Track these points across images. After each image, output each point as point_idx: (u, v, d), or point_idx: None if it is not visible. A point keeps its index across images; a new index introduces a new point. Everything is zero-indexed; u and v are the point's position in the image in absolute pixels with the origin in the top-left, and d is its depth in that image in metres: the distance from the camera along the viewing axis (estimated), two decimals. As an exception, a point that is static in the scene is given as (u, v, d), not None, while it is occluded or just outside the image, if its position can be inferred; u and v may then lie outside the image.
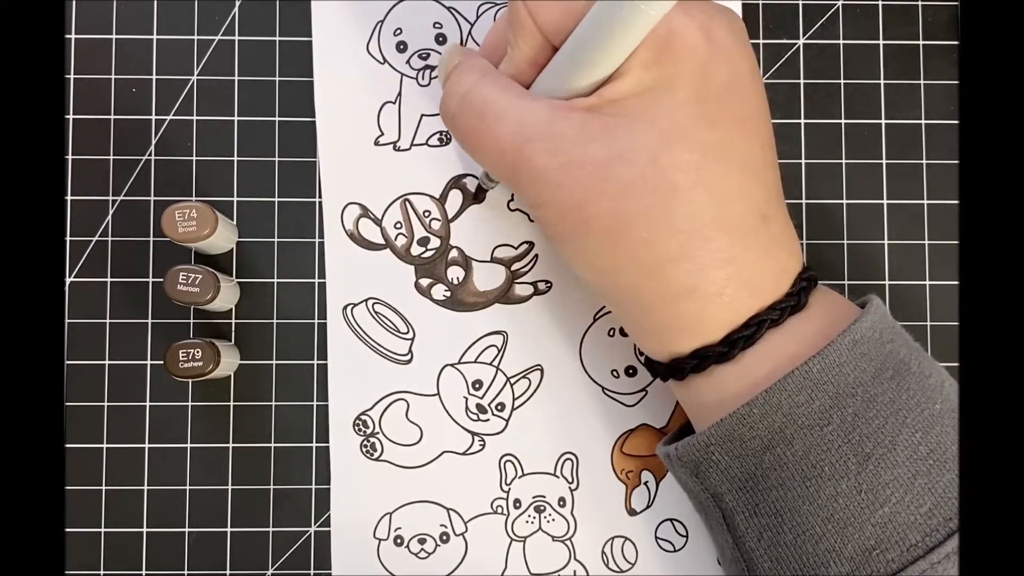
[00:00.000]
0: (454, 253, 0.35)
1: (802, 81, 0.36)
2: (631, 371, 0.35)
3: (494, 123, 0.27)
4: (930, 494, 0.24)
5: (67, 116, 0.35)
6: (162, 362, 0.33)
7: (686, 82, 0.25)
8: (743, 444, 0.26)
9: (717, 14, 0.26)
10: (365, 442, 0.34)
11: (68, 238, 0.35)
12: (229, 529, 0.34)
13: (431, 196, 0.35)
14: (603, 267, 0.27)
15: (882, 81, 0.36)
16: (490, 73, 0.28)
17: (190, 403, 0.34)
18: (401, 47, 0.35)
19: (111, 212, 0.35)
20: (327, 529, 0.34)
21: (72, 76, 0.35)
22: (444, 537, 0.34)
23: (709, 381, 0.27)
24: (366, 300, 0.35)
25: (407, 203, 0.35)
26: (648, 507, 0.35)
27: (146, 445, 0.34)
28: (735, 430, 0.26)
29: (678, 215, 0.25)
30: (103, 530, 0.34)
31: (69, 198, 0.35)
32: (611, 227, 0.25)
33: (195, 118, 0.35)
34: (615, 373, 0.35)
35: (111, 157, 0.35)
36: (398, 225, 0.35)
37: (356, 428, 0.34)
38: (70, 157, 0.35)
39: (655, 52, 0.25)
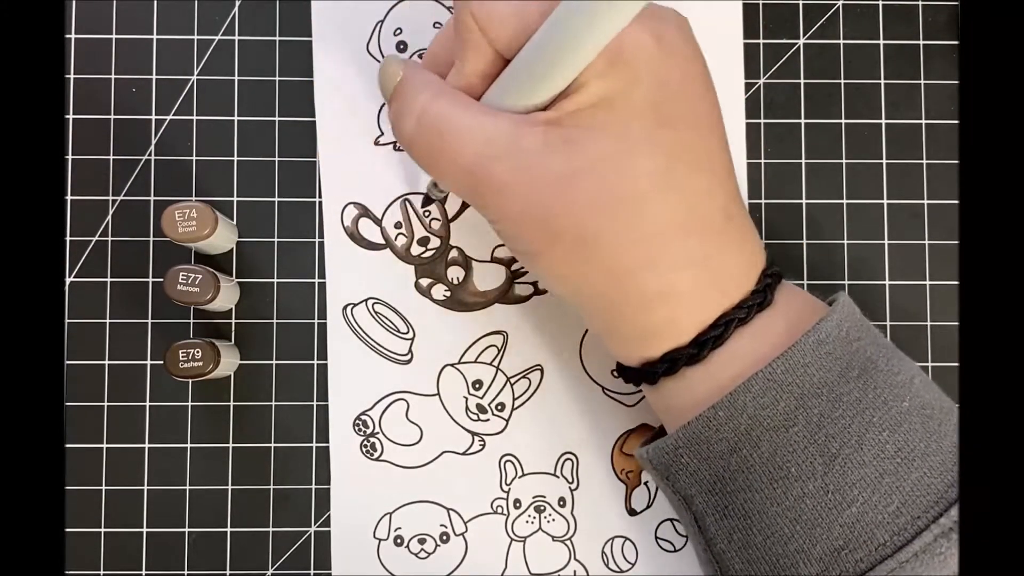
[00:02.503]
0: (454, 253, 0.35)
1: (802, 81, 0.36)
2: (631, 371, 0.35)
3: (456, 142, 0.26)
4: (897, 493, 0.24)
5: (67, 116, 0.35)
6: (162, 362, 0.33)
7: (642, 88, 0.25)
8: (710, 447, 0.26)
9: (666, 17, 0.26)
10: (365, 442, 0.34)
11: (68, 238, 0.35)
12: (229, 529, 0.34)
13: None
14: (573, 278, 0.26)
15: (882, 81, 0.36)
16: (443, 90, 0.27)
17: (190, 403, 0.34)
18: (401, 47, 0.35)
19: (111, 212, 0.35)
20: (327, 529, 0.34)
21: (72, 76, 0.35)
22: (444, 537, 0.34)
23: (678, 384, 0.27)
24: (366, 300, 0.35)
25: (407, 203, 0.35)
26: (648, 507, 0.35)
27: (146, 445, 0.34)
28: (702, 433, 0.26)
29: (647, 221, 0.25)
30: (103, 530, 0.34)
31: (69, 198, 0.35)
32: (580, 238, 0.25)
33: (195, 118, 0.35)
34: (615, 373, 0.35)
35: (111, 157, 0.35)
36: (398, 225, 0.35)
37: (356, 428, 0.34)
38: (70, 157, 0.35)
39: (608, 61, 0.25)
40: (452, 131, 0.26)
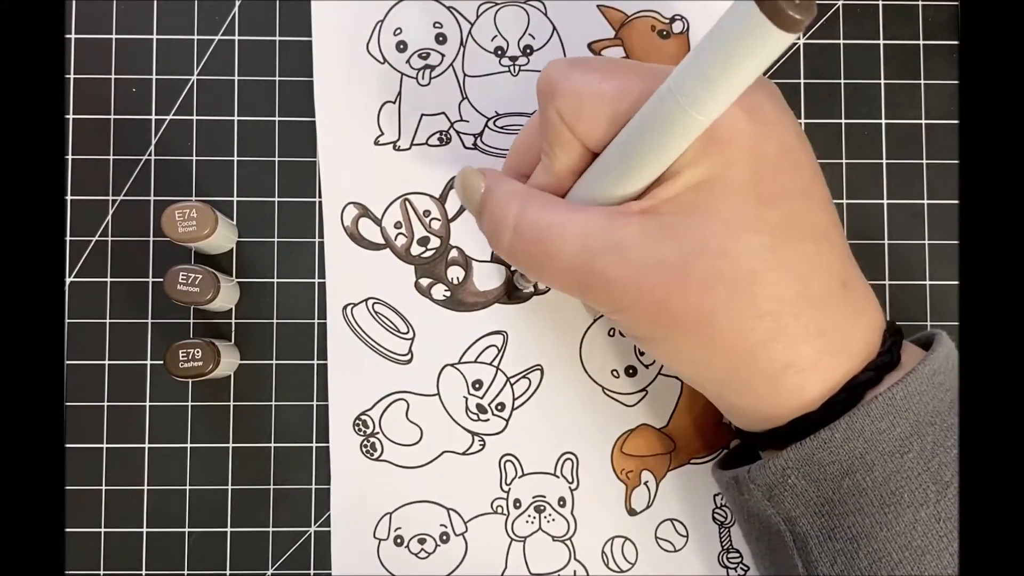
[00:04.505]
0: (454, 253, 0.35)
1: (802, 81, 0.36)
2: (631, 371, 0.35)
3: (556, 245, 0.26)
4: None
5: (67, 116, 0.35)
6: (162, 362, 0.33)
7: (740, 167, 0.25)
8: (822, 468, 0.25)
9: (755, 89, 0.25)
10: (365, 442, 0.34)
11: (68, 238, 0.35)
12: (229, 529, 0.34)
13: (431, 196, 0.35)
14: (695, 359, 0.26)
15: (882, 81, 0.36)
16: (532, 196, 0.28)
17: (190, 403, 0.34)
18: (401, 47, 0.35)
19: (111, 212, 0.35)
20: (327, 529, 0.34)
21: (72, 76, 0.35)
22: (444, 537, 0.34)
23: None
24: (366, 300, 0.35)
25: (407, 203, 0.35)
26: (648, 507, 0.35)
27: (146, 445, 0.34)
28: (815, 454, 0.25)
29: (761, 299, 0.25)
30: (103, 530, 0.34)
31: (69, 198, 0.35)
32: (698, 320, 0.25)
33: (195, 118, 0.35)
34: (615, 373, 0.35)
35: (111, 157, 0.35)
36: (398, 225, 0.35)
37: (356, 428, 0.34)
38: (70, 157, 0.35)
39: (703, 144, 0.24)
40: (549, 236, 0.26)
